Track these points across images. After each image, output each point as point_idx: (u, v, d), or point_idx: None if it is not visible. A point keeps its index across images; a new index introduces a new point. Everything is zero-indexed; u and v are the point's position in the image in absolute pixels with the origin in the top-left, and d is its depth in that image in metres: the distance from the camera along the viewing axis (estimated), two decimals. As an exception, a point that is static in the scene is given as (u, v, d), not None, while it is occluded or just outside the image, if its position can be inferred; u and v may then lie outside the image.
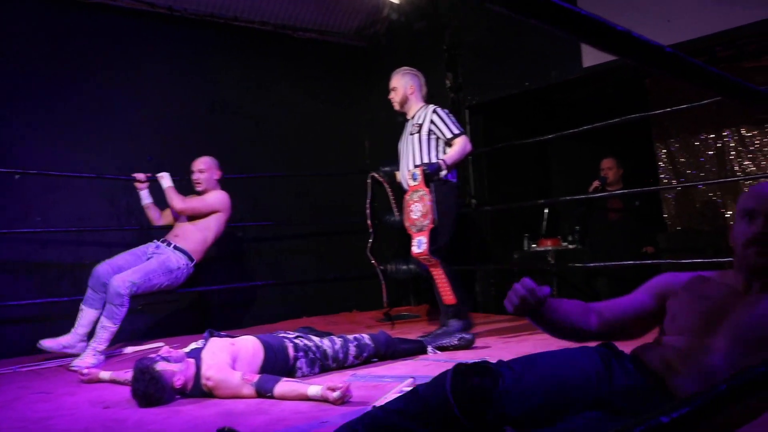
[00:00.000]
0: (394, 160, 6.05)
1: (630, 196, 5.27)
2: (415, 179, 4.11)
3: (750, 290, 1.67)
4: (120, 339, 4.84)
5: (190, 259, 4.45)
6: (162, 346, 3.01)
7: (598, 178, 5.42)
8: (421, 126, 4.30)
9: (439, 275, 4.05)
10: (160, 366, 2.75)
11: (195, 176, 4.63)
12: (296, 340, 3.23)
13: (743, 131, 5.34)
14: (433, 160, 4.21)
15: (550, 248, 5.29)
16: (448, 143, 4.23)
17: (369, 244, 5.72)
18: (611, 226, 5.58)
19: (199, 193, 4.65)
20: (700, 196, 5.64)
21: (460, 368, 1.65)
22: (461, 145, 4.18)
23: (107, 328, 3.93)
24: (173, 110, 5.53)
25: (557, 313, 1.75)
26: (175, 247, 4.42)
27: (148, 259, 4.32)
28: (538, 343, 3.67)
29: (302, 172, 6.13)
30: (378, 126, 6.62)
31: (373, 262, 5.64)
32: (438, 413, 1.59)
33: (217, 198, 4.62)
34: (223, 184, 4.79)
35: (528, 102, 6.01)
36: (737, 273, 1.72)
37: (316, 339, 3.31)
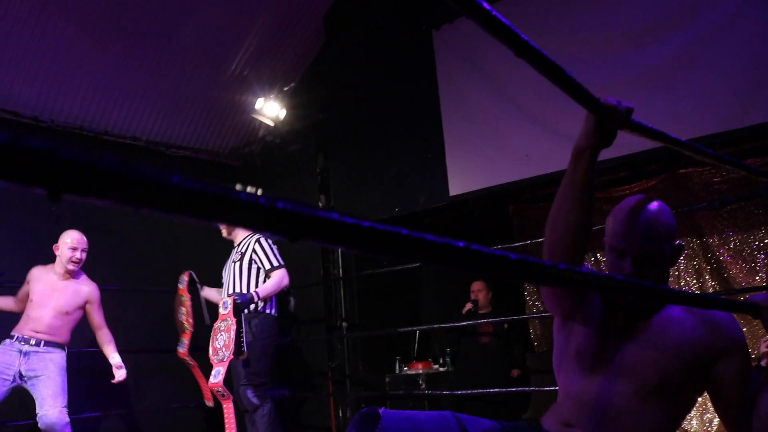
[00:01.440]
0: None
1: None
2: (225, 308, 4.02)
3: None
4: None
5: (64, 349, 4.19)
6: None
7: (470, 300, 5.53)
8: (243, 254, 4.29)
9: (228, 411, 4.08)
10: None
11: (79, 255, 4.27)
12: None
13: (599, 255, 5.66)
14: (252, 290, 4.16)
15: (421, 371, 5.26)
16: (267, 275, 4.22)
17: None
18: (482, 349, 5.64)
19: (69, 272, 4.27)
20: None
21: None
22: (278, 278, 4.19)
23: None
24: (28, 222, 5.21)
25: None
26: (54, 345, 4.11)
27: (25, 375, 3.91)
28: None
29: (166, 291, 5.87)
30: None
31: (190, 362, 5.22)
32: None
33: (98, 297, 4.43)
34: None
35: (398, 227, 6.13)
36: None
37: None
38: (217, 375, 3.93)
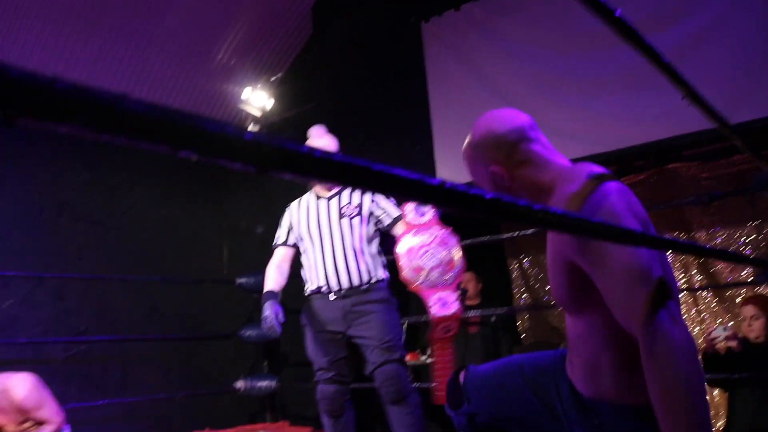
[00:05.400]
0: (253, 268, 5.97)
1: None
2: (419, 214, 3.18)
3: None
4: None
5: None
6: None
7: (459, 289, 5.53)
8: (358, 206, 3.30)
9: (445, 354, 3.10)
10: None
11: None
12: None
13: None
14: (376, 252, 3.31)
15: (408, 363, 5.27)
16: (390, 227, 3.32)
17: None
18: (470, 339, 5.66)
19: None
20: (552, 309, 5.89)
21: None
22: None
23: None
24: (11, 210, 5.15)
25: None
26: None
27: None
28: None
29: (153, 280, 5.86)
30: (238, 234, 6.53)
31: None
32: None
33: (30, 387, 3.57)
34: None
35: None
36: None
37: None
38: (447, 303, 3.04)
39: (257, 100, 6.04)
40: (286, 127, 6.25)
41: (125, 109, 0.47)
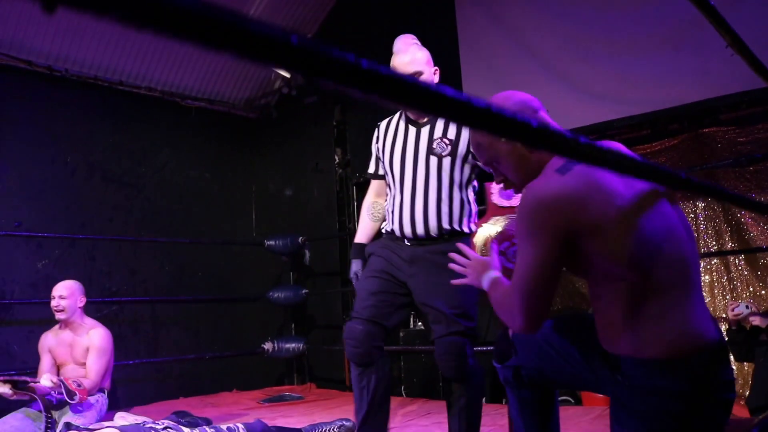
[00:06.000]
0: (280, 230, 6.00)
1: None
2: (510, 198, 2.92)
3: None
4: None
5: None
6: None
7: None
8: (452, 143, 2.66)
9: None
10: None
11: (55, 302, 3.90)
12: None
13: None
14: (466, 200, 2.69)
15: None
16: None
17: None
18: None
19: (68, 326, 3.98)
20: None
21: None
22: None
23: None
24: (45, 173, 5.20)
25: None
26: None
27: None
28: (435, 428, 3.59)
29: (183, 242, 5.91)
30: (266, 197, 6.55)
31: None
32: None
33: (105, 340, 3.98)
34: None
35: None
36: None
37: (186, 430, 3.10)
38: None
39: (285, 62, 6.00)
40: (314, 89, 6.22)
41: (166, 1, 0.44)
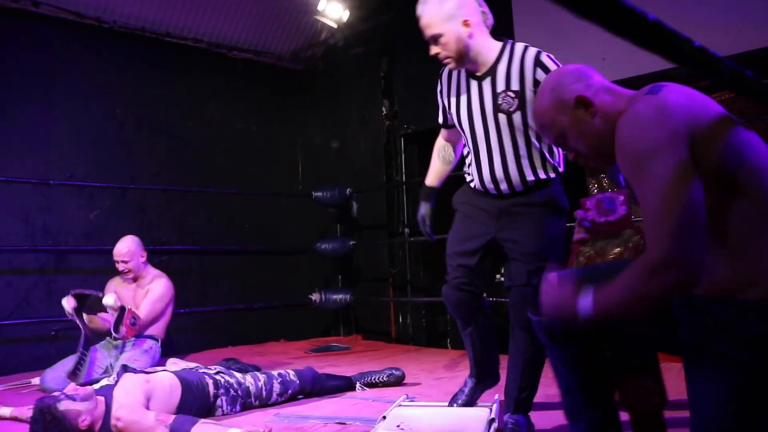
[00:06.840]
0: (327, 182, 5.98)
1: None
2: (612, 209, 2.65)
3: None
4: (28, 368, 4.54)
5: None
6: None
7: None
8: (517, 96, 2.45)
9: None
10: (64, 405, 2.51)
11: (121, 266, 4.19)
12: (217, 377, 3.04)
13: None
14: (546, 150, 2.53)
15: (482, 280, 5.23)
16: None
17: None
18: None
19: (135, 280, 4.29)
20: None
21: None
22: None
23: None
24: (95, 125, 5.25)
25: None
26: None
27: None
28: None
29: (231, 193, 5.94)
30: (312, 149, 6.53)
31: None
32: None
33: (165, 289, 4.31)
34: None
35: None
36: None
37: (238, 375, 3.13)
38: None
39: (333, 11, 5.90)
40: (361, 40, 6.12)
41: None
